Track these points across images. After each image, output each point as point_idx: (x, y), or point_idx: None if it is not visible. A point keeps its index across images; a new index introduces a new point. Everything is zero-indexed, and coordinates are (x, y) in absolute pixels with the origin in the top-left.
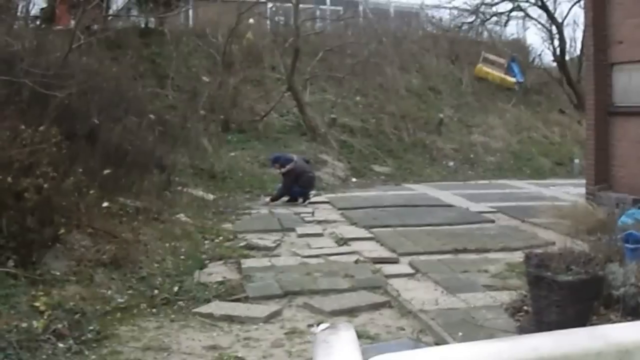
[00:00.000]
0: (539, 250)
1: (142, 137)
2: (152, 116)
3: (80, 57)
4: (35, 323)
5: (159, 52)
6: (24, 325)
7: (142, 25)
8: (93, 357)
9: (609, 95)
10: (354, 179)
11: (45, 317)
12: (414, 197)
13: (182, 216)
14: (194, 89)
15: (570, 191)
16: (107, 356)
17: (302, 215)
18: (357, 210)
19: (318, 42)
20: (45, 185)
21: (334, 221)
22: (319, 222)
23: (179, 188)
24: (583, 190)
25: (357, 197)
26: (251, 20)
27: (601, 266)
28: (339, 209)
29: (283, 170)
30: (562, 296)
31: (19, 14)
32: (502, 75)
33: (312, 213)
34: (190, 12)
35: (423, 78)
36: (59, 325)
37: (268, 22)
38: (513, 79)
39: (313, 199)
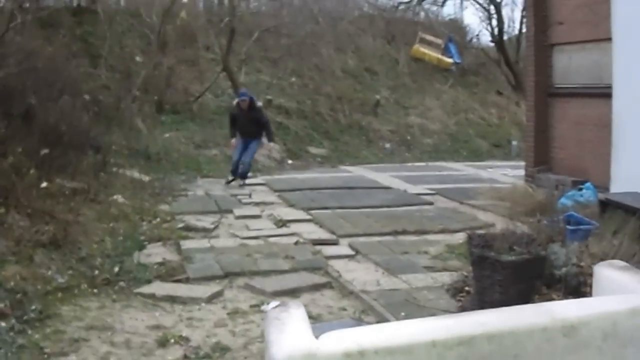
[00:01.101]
0: (481, 231)
1: (77, 118)
2: (86, 96)
3: (15, 36)
4: None
5: (91, 32)
6: None
7: (75, 4)
8: (36, 336)
9: (549, 76)
10: (289, 161)
11: None
12: (352, 179)
13: (118, 197)
14: (127, 69)
15: (508, 173)
16: (50, 335)
17: (239, 197)
18: (294, 192)
19: (253, 22)
20: None
21: (272, 203)
22: (257, 204)
23: (114, 169)
24: (521, 172)
25: (294, 179)
26: (185, 0)
27: (543, 246)
28: (276, 190)
29: (259, 104)
30: (505, 276)
31: None
32: (439, 56)
33: (249, 195)
34: None
35: (359, 59)
36: (1, 305)
37: (201, 1)
38: (450, 60)
39: (248, 181)
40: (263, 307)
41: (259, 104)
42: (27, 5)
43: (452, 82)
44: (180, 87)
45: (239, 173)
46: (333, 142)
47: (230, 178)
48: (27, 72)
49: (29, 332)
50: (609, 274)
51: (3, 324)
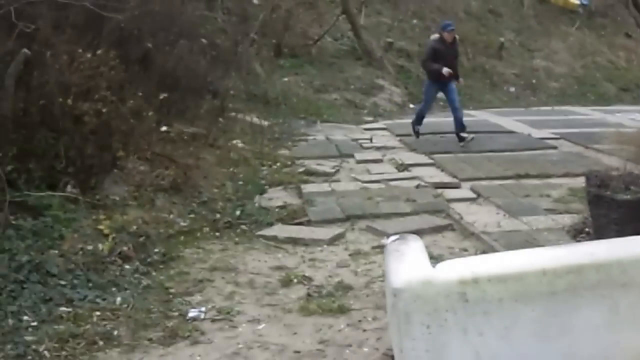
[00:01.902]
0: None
1: (194, 62)
2: (204, 40)
3: None
4: (100, 246)
5: None
6: (90, 247)
7: None
8: (161, 277)
9: None
10: (411, 105)
11: (110, 240)
12: (475, 123)
13: (237, 142)
14: (244, 12)
15: (636, 117)
16: (174, 276)
17: (360, 141)
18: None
19: None
20: (104, 110)
21: (393, 147)
22: (378, 148)
23: (233, 114)
24: None
25: None
26: None
27: None
28: (397, 135)
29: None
30: (620, 214)
31: None
32: None
33: (370, 139)
34: None
35: (483, 0)
36: (124, 248)
37: None
38: (576, 1)
39: (369, 125)
40: (383, 241)
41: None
42: None
43: (578, 24)
44: (298, 30)
45: (457, 125)
46: (456, 86)
47: (417, 128)
48: (143, 15)
49: (153, 273)
50: None
51: (127, 266)
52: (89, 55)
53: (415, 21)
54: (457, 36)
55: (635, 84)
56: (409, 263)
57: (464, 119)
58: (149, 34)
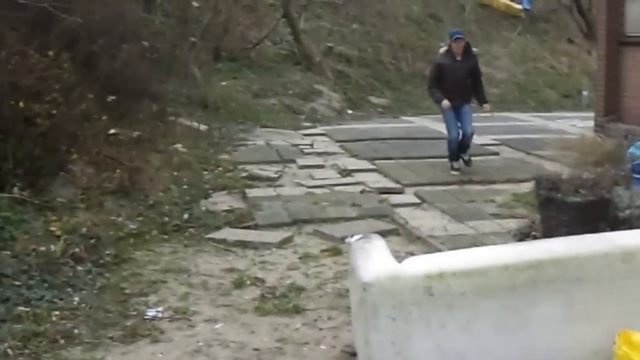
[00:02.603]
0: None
1: (135, 65)
2: (145, 43)
3: None
4: (52, 247)
5: None
6: (42, 249)
7: None
8: (115, 278)
9: (621, 24)
10: (349, 111)
11: (62, 241)
12: (415, 129)
13: (179, 146)
14: (183, 14)
15: (577, 124)
16: (128, 278)
17: (301, 147)
18: (356, 142)
19: None
20: (55, 112)
21: (334, 153)
22: (319, 154)
23: (172, 118)
24: (591, 123)
25: (355, 129)
26: None
27: (608, 190)
28: (337, 141)
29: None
30: (570, 216)
31: None
32: (508, 2)
33: (311, 145)
34: None
35: (424, 5)
36: (76, 250)
37: None
38: (519, 6)
39: (308, 131)
40: (347, 240)
41: (476, 49)
42: None
43: (520, 29)
44: (237, 33)
45: (463, 146)
46: (395, 91)
47: (456, 166)
48: (88, 17)
49: (107, 275)
50: None
51: (80, 267)
52: (38, 56)
53: (355, 25)
54: (473, 48)
55: (577, 90)
56: (375, 259)
57: (402, 125)
58: (94, 36)
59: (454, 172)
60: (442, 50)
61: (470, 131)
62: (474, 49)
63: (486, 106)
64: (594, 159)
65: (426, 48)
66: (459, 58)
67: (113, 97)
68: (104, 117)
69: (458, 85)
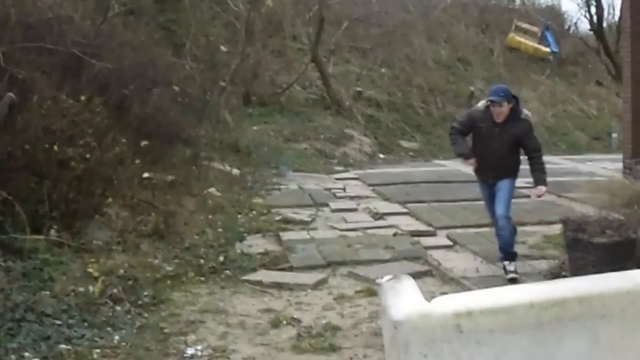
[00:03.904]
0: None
1: (167, 109)
2: (176, 88)
3: (110, 25)
4: (91, 288)
5: (175, 20)
6: (81, 289)
7: None
8: (153, 318)
9: None
10: (381, 155)
11: (100, 282)
12: (446, 172)
13: (212, 190)
14: (212, 59)
15: (607, 166)
16: (167, 317)
17: (333, 190)
18: (388, 186)
19: (342, 11)
20: (88, 156)
21: (367, 197)
22: (351, 197)
23: (206, 162)
24: (621, 165)
25: (387, 173)
26: None
27: (634, 230)
28: (370, 185)
29: (526, 113)
30: (597, 257)
31: None
32: (536, 45)
33: (343, 189)
34: None
35: (452, 49)
36: (115, 290)
37: None
38: (547, 49)
39: (340, 175)
40: (378, 280)
41: (526, 112)
42: None
43: (549, 72)
44: (267, 78)
45: (500, 246)
46: (425, 135)
47: (510, 268)
48: (120, 63)
49: (146, 315)
50: None
51: (119, 307)
52: (72, 101)
53: (384, 70)
54: (526, 112)
55: (607, 132)
56: (406, 298)
57: (433, 168)
58: (125, 81)
59: (510, 276)
60: (481, 103)
61: (501, 213)
62: (526, 112)
63: (541, 188)
64: (622, 200)
65: (455, 92)
66: (499, 121)
67: (146, 142)
68: (138, 161)
69: (493, 157)
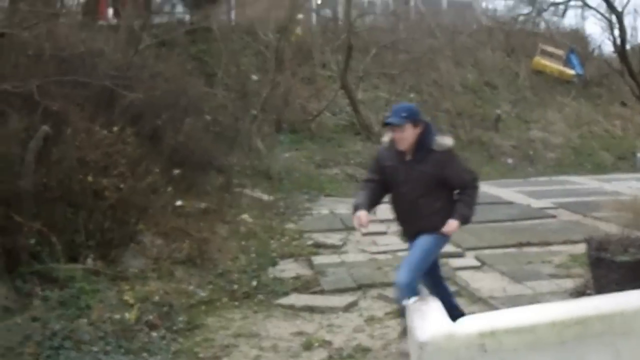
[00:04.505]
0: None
1: (200, 138)
2: (207, 117)
3: (142, 57)
4: (127, 315)
5: (206, 50)
6: (117, 316)
7: (187, 22)
8: (188, 344)
9: None
10: None
11: (135, 309)
12: None
13: (245, 216)
14: (243, 88)
15: (632, 185)
16: (201, 342)
17: None
18: None
19: (370, 38)
20: (122, 186)
21: None
22: (382, 221)
23: (238, 189)
24: None
25: None
26: (300, 16)
27: None
28: None
29: (447, 142)
30: (620, 275)
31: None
32: (561, 68)
33: (374, 212)
34: (233, 8)
35: (479, 73)
36: (150, 317)
37: (314, 16)
38: (572, 72)
39: None
40: (404, 302)
41: (443, 141)
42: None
43: (574, 94)
44: (297, 105)
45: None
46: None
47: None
48: (152, 92)
49: (180, 340)
50: None
51: (154, 333)
52: (105, 132)
53: (412, 95)
54: (446, 141)
55: (632, 152)
56: (431, 320)
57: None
58: (158, 111)
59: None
60: (387, 137)
61: (399, 279)
62: (442, 141)
63: (451, 223)
64: None
65: (482, 115)
66: (408, 158)
67: (178, 171)
68: (170, 189)
69: (404, 205)
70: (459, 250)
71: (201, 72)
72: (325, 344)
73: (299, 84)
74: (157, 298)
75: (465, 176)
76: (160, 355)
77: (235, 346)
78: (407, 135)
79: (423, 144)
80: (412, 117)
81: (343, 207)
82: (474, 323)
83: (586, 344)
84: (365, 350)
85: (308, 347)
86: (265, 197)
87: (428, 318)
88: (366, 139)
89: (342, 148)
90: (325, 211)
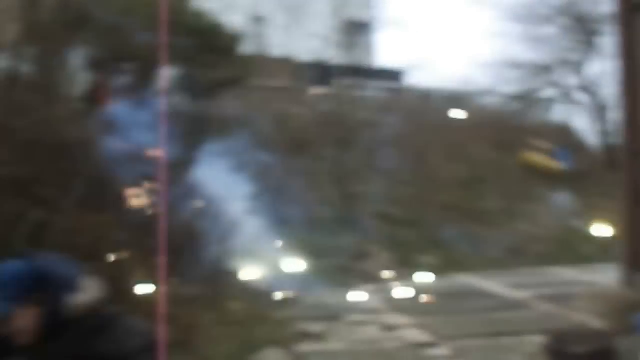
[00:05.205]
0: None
1: (192, 224)
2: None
3: None
4: None
5: None
6: None
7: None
8: None
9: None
10: (399, 270)
11: None
12: (458, 286)
13: (235, 304)
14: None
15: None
16: None
17: (349, 303)
18: (402, 300)
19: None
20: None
21: (380, 310)
22: (366, 311)
23: (231, 276)
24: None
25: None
26: (295, 109)
27: (614, 339)
28: (384, 299)
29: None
30: None
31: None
32: (549, 162)
33: (359, 302)
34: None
35: (469, 166)
36: None
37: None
38: (559, 166)
39: (359, 289)
40: None
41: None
42: None
43: (561, 187)
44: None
45: None
46: (442, 250)
47: None
48: None
49: None
50: None
51: None
52: (92, 218)
53: (402, 188)
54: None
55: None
56: None
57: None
58: None
59: None
60: None
61: None
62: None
63: None
64: (617, 308)
65: (471, 208)
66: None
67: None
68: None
69: None
70: (434, 339)
71: None
72: None
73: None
74: None
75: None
76: None
77: None
78: (26, 322)
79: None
80: (25, 292)
81: (330, 295)
82: None
83: None
84: None
85: None
86: (257, 282)
87: None
88: (357, 230)
89: (333, 238)
90: (313, 299)
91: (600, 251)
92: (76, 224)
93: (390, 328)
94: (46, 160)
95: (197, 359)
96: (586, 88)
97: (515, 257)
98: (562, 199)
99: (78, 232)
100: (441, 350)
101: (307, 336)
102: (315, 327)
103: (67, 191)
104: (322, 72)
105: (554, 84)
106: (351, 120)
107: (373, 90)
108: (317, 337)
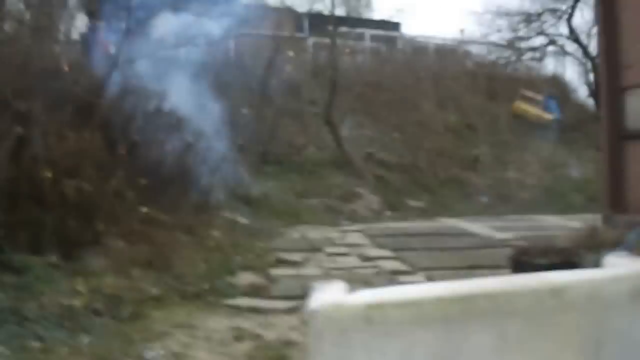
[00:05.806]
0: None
1: (180, 158)
2: (190, 140)
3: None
4: (76, 302)
5: None
6: (66, 302)
7: None
8: (126, 329)
9: (621, 119)
10: (388, 213)
11: (84, 297)
12: (443, 227)
13: (216, 233)
14: (232, 120)
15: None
16: (139, 329)
17: (333, 239)
18: (386, 237)
19: (356, 78)
20: (87, 187)
21: (362, 245)
22: (348, 245)
23: (216, 210)
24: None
25: (388, 227)
26: (291, 53)
27: (577, 255)
28: (369, 235)
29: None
30: None
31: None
32: (539, 113)
33: (343, 237)
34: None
35: (460, 115)
36: (98, 305)
37: (310, 56)
38: (550, 116)
39: (345, 228)
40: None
41: None
42: None
43: (551, 138)
44: (284, 139)
45: None
46: (431, 195)
47: None
48: (133, 107)
49: (121, 326)
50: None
51: (97, 319)
52: (74, 136)
53: (395, 134)
54: None
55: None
56: (326, 293)
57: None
58: (138, 124)
59: None
60: None
61: None
62: None
63: None
64: (596, 246)
65: (462, 155)
66: None
67: (144, 182)
68: (133, 195)
69: None
70: (410, 269)
71: None
72: (257, 337)
73: (287, 119)
74: (108, 290)
75: None
76: (94, 335)
77: (171, 334)
78: None
79: None
80: None
81: (316, 233)
82: (363, 296)
83: (471, 321)
84: (292, 344)
85: (239, 338)
86: (242, 220)
87: (324, 292)
88: (348, 173)
89: (324, 180)
90: (297, 235)
91: (588, 200)
92: (57, 141)
93: (369, 259)
94: (34, 82)
95: (170, 277)
96: (575, 38)
97: (504, 204)
98: (551, 148)
99: (58, 148)
100: (413, 278)
101: (284, 263)
102: (295, 257)
103: (53, 111)
104: (319, 22)
105: (544, 33)
106: (345, 68)
107: (369, 40)
108: (294, 264)
